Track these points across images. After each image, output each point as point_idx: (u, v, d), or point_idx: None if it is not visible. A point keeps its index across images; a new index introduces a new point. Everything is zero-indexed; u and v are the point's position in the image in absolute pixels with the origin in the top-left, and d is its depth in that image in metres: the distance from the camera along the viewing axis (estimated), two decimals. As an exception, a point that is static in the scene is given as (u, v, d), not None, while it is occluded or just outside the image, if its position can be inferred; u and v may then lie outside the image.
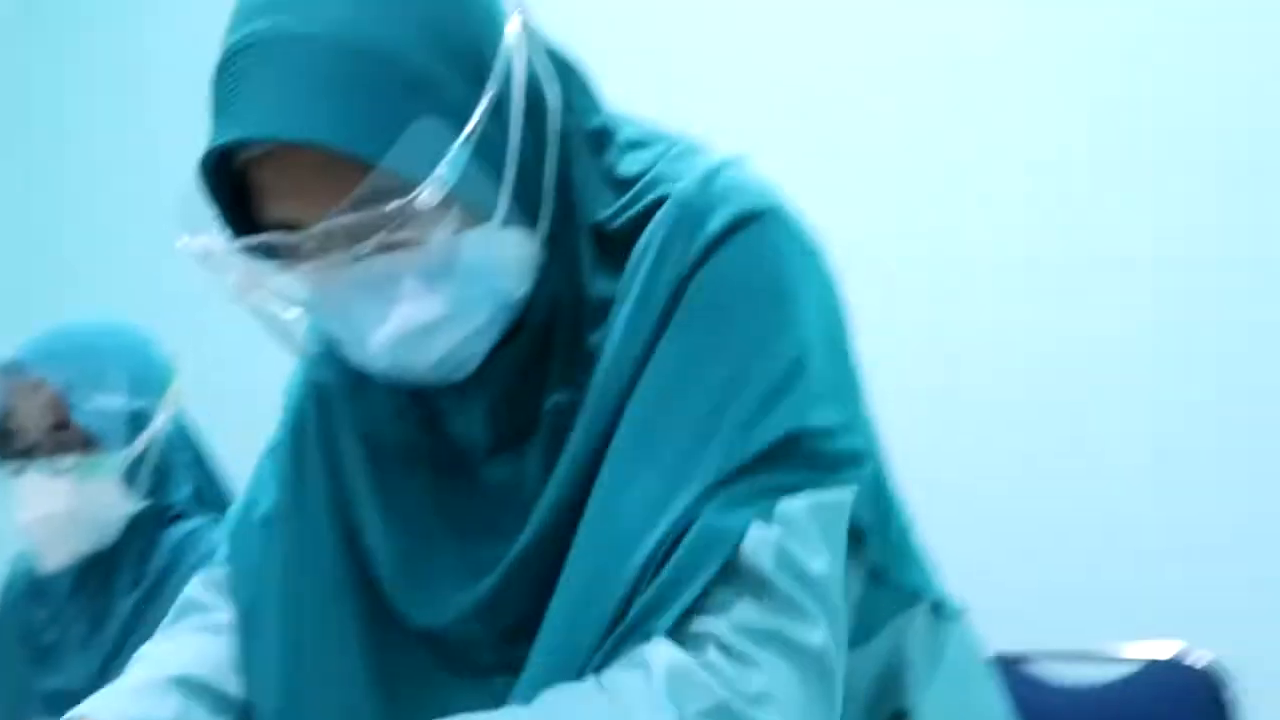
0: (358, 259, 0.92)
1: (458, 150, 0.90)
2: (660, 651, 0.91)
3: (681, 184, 1.01)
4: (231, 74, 0.92)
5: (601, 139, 1.05)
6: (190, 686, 1.11)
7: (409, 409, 1.08)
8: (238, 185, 0.97)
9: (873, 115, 2.55)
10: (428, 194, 0.89)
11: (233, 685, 1.14)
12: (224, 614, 1.17)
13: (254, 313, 0.98)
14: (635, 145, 1.07)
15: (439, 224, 0.93)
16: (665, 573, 0.93)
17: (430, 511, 1.08)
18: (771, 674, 0.92)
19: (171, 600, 1.58)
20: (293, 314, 0.99)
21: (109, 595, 1.88)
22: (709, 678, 0.90)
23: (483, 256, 0.95)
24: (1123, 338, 2.35)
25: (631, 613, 0.93)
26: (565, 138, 1.01)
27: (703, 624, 0.93)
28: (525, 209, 0.97)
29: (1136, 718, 1.76)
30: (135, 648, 1.60)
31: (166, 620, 1.22)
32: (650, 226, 1.00)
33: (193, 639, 1.17)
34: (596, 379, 1.00)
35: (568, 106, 1.02)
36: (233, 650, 1.15)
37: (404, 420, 1.08)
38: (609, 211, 1.03)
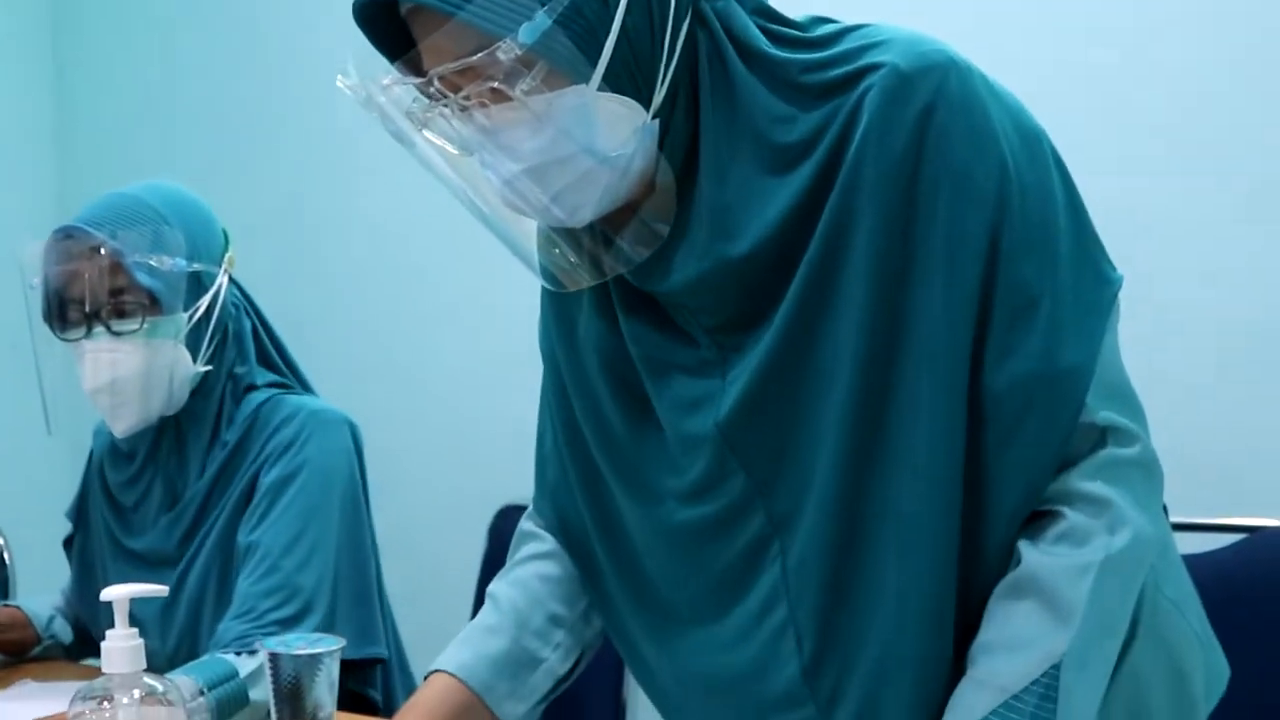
0: (463, 108, 1.05)
1: (541, 15, 1.02)
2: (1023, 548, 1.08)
3: (890, 55, 1.08)
4: None
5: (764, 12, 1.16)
6: (521, 619, 1.33)
7: (639, 308, 1.20)
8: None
9: None
10: (504, 50, 1.02)
11: (566, 603, 1.35)
12: (549, 541, 1.37)
13: (407, 147, 1.10)
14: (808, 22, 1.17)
15: (528, 80, 1.03)
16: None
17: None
18: (1126, 505, 1.07)
19: (249, 471, 1.87)
20: (447, 149, 1.10)
21: (184, 463, 1.88)
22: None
23: (574, 116, 1.06)
24: None
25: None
26: (703, 14, 1.11)
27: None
28: (632, 77, 1.07)
29: (1242, 586, 1.69)
30: (212, 518, 1.86)
31: (511, 549, 1.41)
32: (865, 91, 1.08)
33: (527, 569, 1.36)
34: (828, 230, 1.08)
35: None
36: (566, 568, 1.36)
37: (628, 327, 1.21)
38: (799, 68, 1.11)
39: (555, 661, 1.33)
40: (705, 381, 1.16)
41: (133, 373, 1.77)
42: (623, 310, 1.21)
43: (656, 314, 1.19)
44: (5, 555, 2.65)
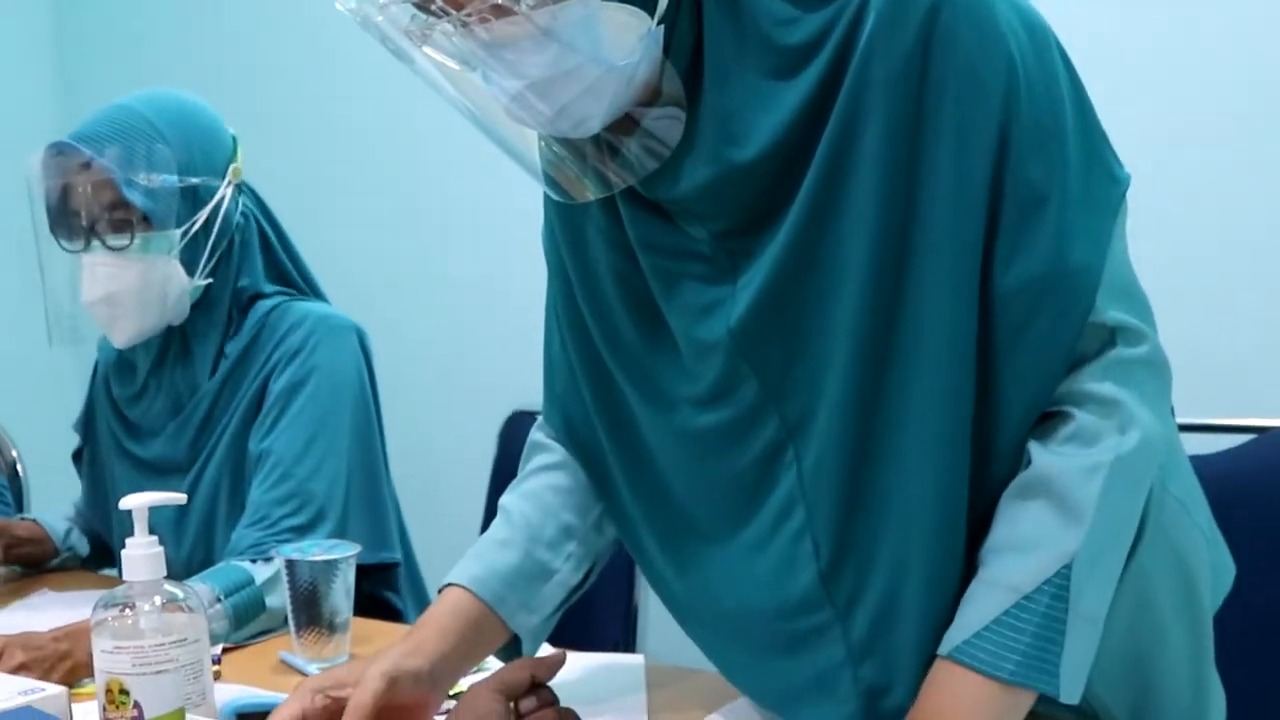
0: (464, 24, 1.04)
1: None
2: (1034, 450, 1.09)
3: None
4: None
5: None
6: (533, 532, 1.33)
7: (647, 216, 1.19)
8: None
9: None
10: None
11: (577, 514, 1.35)
12: (560, 452, 1.38)
13: (408, 64, 1.09)
14: None
15: None
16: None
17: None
18: (1135, 405, 1.08)
19: (257, 378, 1.88)
20: (451, 66, 1.09)
21: (190, 374, 1.88)
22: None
23: (579, 27, 1.04)
24: None
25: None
26: None
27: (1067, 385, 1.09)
28: None
29: (1250, 487, 1.69)
30: (221, 425, 1.88)
31: (522, 461, 1.41)
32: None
33: (538, 481, 1.37)
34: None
35: None
36: (577, 478, 1.37)
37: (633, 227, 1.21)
38: None
39: (567, 573, 1.35)
40: (716, 288, 1.16)
41: (127, 287, 1.78)
42: (630, 219, 1.21)
43: (665, 222, 1.19)
44: (19, 469, 2.66)
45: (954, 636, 1.08)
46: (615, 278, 1.24)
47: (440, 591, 1.31)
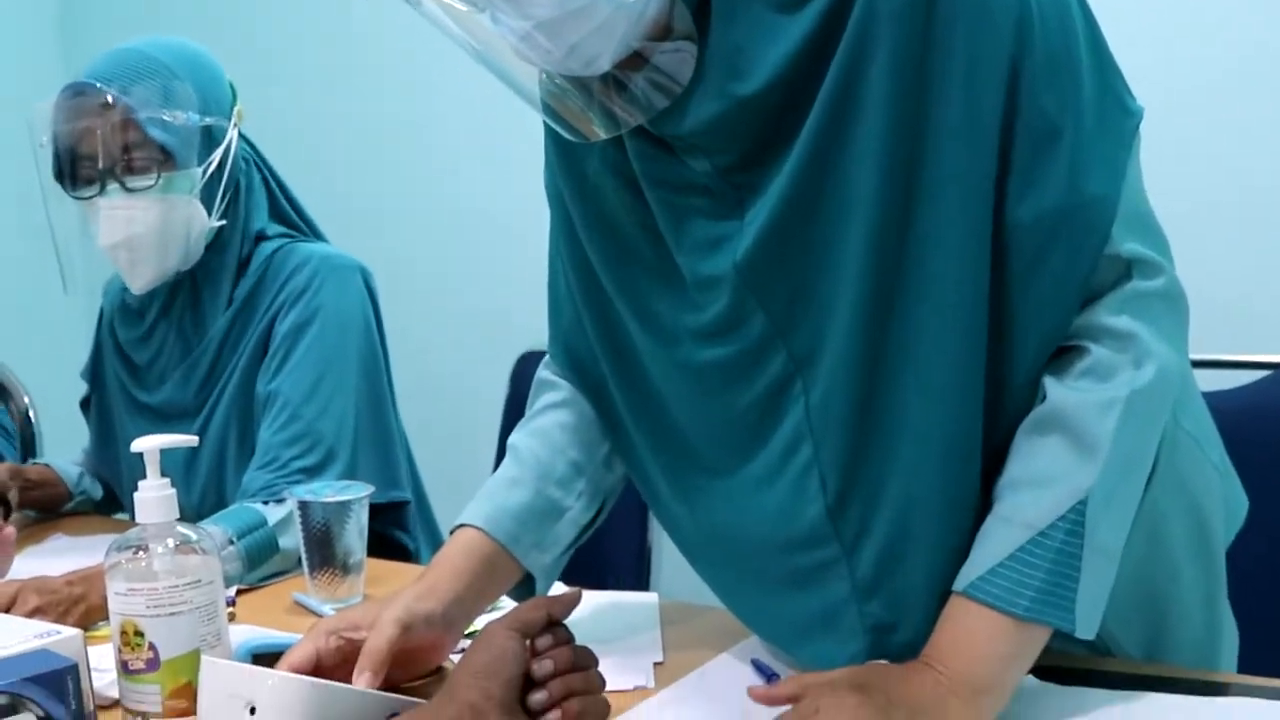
0: None
1: None
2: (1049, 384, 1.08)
3: None
4: None
5: None
6: (543, 469, 1.33)
7: (653, 151, 1.17)
8: None
9: None
10: None
11: (586, 451, 1.35)
12: (567, 389, 1.37)
13: (414, 5, 1.09)
14: None
15: None
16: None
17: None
18: (1151, 339, 1.07)
19: (263, 320, 1.89)
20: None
21: (198, 316, 1.88)
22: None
23: None
24: None
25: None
26: None
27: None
28: None
29: (1264, 423, 1.69)
30: (228, 368, 1.89)
31: (530, 399, 1.41)
32: None
33: (546, 419, 1.37)
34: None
35: None
36: (585, 414, 1.36)
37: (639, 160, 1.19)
38: None
39: (579, 510, 1.34)
40: (723, 223, 1.15)
41: (149, 229, 1.77)
42: (636, 153, 1.20)
43: (671, 156, 1.18)
44: (32, 415, 2.67)
45: (969, 573, 1.08)
46: (621, 211, 1.23)
47: (452, 533, 1.31)
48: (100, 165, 1.74)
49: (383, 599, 1.21)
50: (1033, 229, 1.06)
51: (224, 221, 1.84)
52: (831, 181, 1.09)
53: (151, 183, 1.75)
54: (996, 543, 1.07)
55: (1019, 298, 1.08)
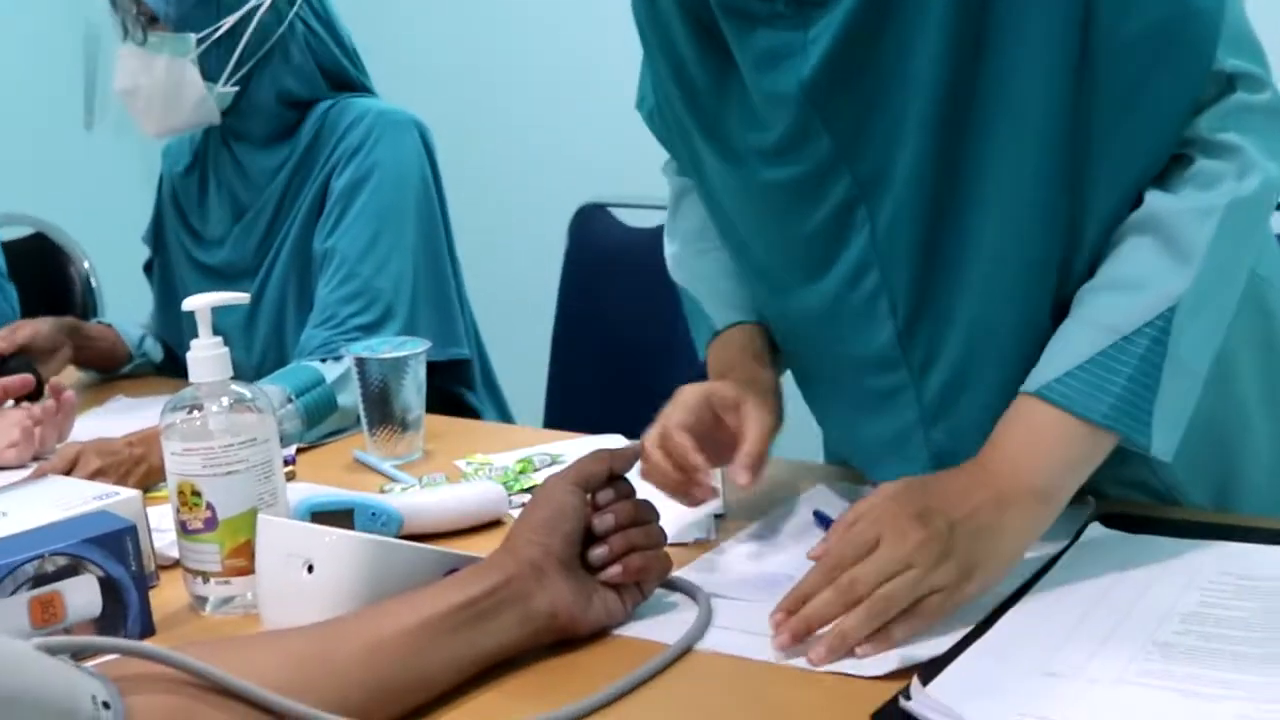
0: None
1: None
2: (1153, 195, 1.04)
3: None
4: None
5: None
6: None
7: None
8: None
9: None
10: None
11: None
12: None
13: None
14: None
15: None
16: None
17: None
18: (1256, 152, 1.02)
19: (319, 177, 1.86)
20: None
21: (245, 177, 1.89)
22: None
23: None
24: None
25: None
26: None
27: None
28: None
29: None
30: (285, 226, 1.89)
31: (672, 201, 1.40)
32: None
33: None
34: None
35: None
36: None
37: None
38: None
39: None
40: (787, 34, 1.09)
41: (152, 81, 1.81)
42: None
43: None
44: (93, 281, 2.68)
45: (1042, 374, 1.03)
46: (688, 20, 1.18)
47: (716, 337, 1.31)
48: (119, 13, 1.82)
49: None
50: (1138, 45, 1.00)
51: (238, 88, 1.84)
52: None
53: (141, 40, 1.80)
54: (1075, 344, 1.02)
55: (1116, 120, 1.02)
